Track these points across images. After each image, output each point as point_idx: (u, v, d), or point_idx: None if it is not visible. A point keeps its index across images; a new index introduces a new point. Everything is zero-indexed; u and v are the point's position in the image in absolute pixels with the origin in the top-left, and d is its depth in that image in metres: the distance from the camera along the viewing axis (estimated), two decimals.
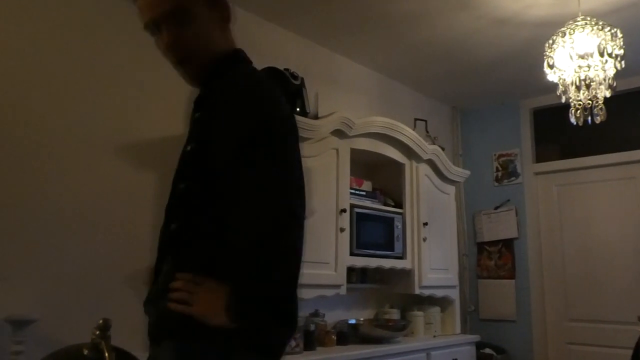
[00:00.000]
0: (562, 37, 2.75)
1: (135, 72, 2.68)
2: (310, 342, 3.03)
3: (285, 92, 2.91)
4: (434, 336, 3.79)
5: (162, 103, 2.72)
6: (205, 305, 1.14)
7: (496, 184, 4.76)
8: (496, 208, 4.70)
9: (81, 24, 2.52)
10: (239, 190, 1.13)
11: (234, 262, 1.13)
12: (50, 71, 2.41)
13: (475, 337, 4.02)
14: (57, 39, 2.44)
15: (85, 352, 1.80)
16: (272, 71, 2.93)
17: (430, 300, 3.87)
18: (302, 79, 3.08)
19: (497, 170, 4.77)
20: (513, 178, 4.69)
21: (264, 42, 3.29)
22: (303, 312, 3.06)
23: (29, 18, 2.36)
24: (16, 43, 2.32)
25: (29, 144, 2.30)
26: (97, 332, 2.03)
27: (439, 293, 3.86)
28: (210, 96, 1.25)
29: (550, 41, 2.82)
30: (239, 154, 1.13)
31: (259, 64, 2.94)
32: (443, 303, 3.96)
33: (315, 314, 3.19)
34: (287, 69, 3.04)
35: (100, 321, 2.04)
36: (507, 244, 4.62)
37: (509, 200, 4.65)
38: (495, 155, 4.79)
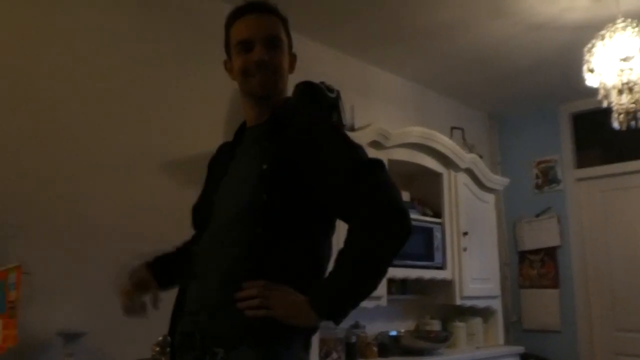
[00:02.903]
0: (602, 40, 2.70)
1: (179, 93, 2.75)
2: (352, 354, 3.02)
3: (321, 105, 2.95)
4: (477, 348, 3.72)
5: (204, 122, 2.79)
6: (286, 306, 1.22)
7: (536, 191, 4.67)
8: (537, 216, 4.60)
9: (127, 49, 2.61)
10: (363, 203, 1.24)
11: (348, 262, 1.22)
12: (101, 92, 2.51)
13: (519, 349, 3.94)
14: (108, 64, 2.54)
15: None
16: (308, 85, 2.96)
17: (472, 311, 3.81)
18: (338, 91, 3.10)
19: (537, 177, 4.68)
20: (554, 185, 4.59)
21: (298, 56, 3.32)
22: (343, 324, 3.06)
23: (80, 45, 2.46)
24: (70, 68, 2.42)
25: (80, 161, 2.39)
26: (157, 349, 2.08)
27: (481, 303, 3.80)
28: (286, 131, 1.34)
29: (590, 45, 2.77)
30: (353, 176, 1.25)
31: (294, 78, 2.99)
32: (485, 314, 3.90)
33: (356, 325, 3.18)
34: (322, 82, 3.07)
35: (160, 338, 2.09)
36: (550, 253, 4.51)
37: (550, 208, 4.55)
38: (534, 162, 4.71)
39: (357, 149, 1.32)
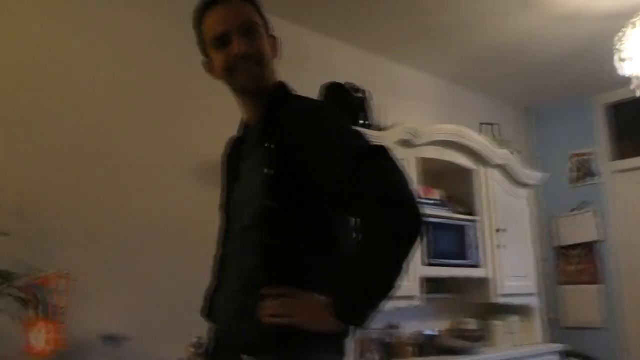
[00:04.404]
0: (633, 28, 2.64)
1: (211, 95, 2.78)
2: (388, 354, 3.01)
3: (346, 106, 2.95)
4: (515, 346, 3.66)
5: (235, 123, 2.82)
6: (306, 312, 1.18)
7: (572, 185, 4.57)
8: (572, 210, 4.50)
9: (163, 58, 2.68)
10: (370, 199, 1.17)
11: (360, 262, 1.17)
12: (134, 97, 2.58)
13: (559, 346, 3.86)
14: (145, 73, 2.62)
15: None
16: (333, 86, 2.97)
17: (508, 309, 3.75)
18: (365, 92, 3.10)
19: (573, 171, 4.58)
20: (591, 178, 4.48)
21: (325, 58, 3.34)
22: (378, 324, 3.05)
23: (118, 55, 2.54)
24: (102, 75, 2.49)
25: (118, 166, 2.47)
26: (192, 350, 2.12)
27: (518, 301, 3.74)
28: (281, 127, 1.29)
29: (621, 34, 2.70)
30: (356, 168, 1.18)
31: (320, 79, 3.02)
32: (522, 311, 3.83)
33: (391, 325, 3.17)
34: (348, 83, 3.07)
35: (195, 339, 2.12)
36: (588, 248, 4.41)
37: (585, 202, 4.45)
38: (570, 155, 4.61)
39: (356, 137, 1.25)
